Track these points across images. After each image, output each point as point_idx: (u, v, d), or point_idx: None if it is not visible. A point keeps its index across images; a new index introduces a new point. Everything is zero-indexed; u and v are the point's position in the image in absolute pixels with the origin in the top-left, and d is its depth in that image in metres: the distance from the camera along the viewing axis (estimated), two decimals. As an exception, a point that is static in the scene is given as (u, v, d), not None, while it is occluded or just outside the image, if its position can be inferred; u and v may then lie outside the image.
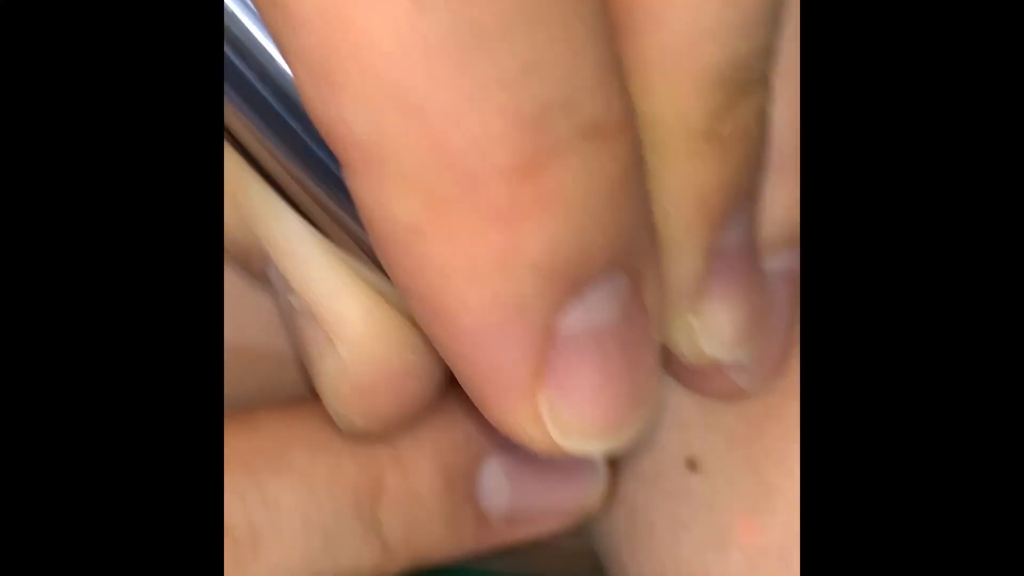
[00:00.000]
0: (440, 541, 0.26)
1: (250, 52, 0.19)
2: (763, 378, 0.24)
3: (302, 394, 0.26)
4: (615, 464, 0.26)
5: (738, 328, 0.22)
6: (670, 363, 0.24)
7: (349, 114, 0.17)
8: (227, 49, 0.19)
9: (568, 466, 0.26)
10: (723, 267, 0.21)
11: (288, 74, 0.19)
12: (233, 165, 0.21)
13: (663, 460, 0.26)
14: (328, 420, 0.23)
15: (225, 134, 0.20)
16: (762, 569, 0.25)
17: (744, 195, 0.21)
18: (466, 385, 0.20)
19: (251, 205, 0.21)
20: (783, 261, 0.23)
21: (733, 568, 0.25)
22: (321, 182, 0.20)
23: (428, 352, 0.22)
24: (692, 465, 0.26)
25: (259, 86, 0.19)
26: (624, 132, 0.18)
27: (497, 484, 0.26)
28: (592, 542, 0.29)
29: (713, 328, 0.22)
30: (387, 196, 0.18)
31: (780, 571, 0.24)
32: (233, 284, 0.24)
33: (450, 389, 0.25)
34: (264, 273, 0.22)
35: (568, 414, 0.19)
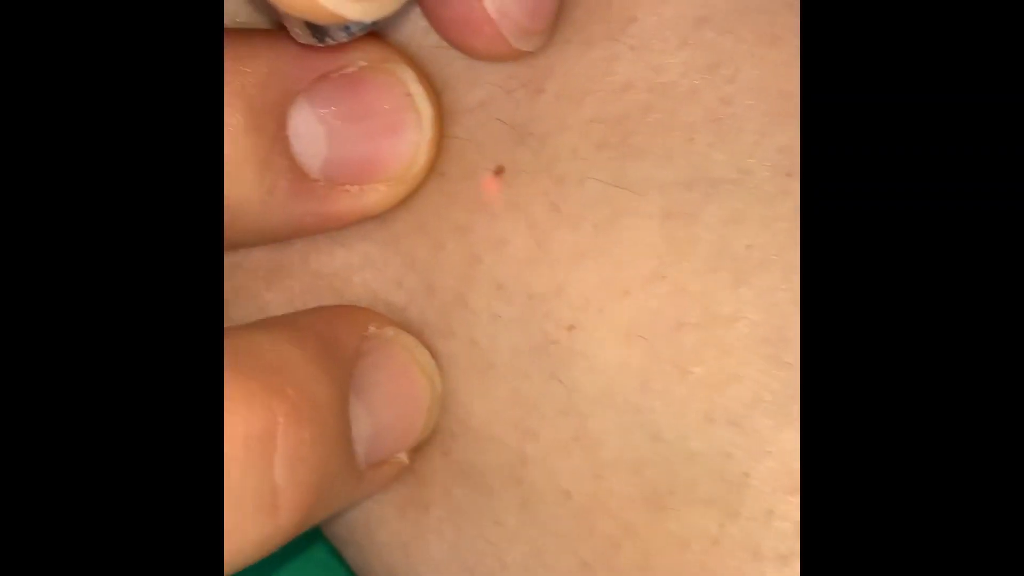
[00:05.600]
0: (252, 194, 0.24)
1: None
2: (531, 32, 0.24)
3: None
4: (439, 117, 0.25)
5: None
6: (437, 21, 0.24)
7: None
8: None
9: (389, 112, 0.24)
10: None
11: None
12: None
13: None
14: None
15: None
16: None
17: None
18: None
19: None
20: None
21: None
22: None
23: None
24: None
25: None
26: None
27: (310, 129, 0.24)
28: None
29: None
30: None
31: None
32: None
33: (256, 33, 0.24)
34: None
35: None
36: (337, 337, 0.24)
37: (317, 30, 0.22)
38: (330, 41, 0.23)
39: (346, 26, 0.22)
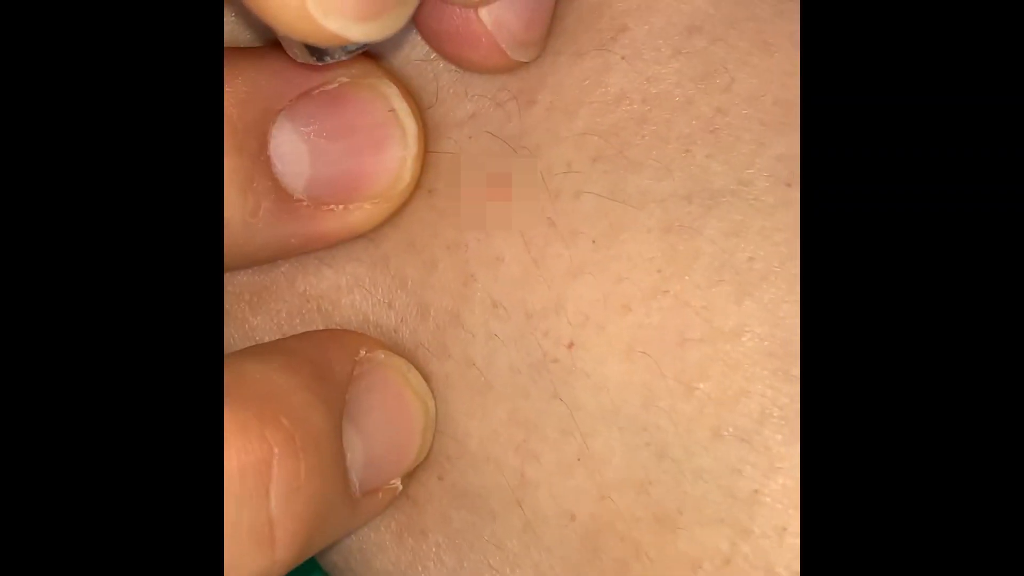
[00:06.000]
0: (234, 216, 0.23)
1: None
2: (527, 43, 0.23)
3: None
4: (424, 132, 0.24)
5: None
6: (431, 34, 0.23)
7: None
8: None
9: (372, 128, 0.24)
10: None
11: None
12: None
13: None
14: None
15: None
16: None
17: None
18: None
19: None
20: None
21: None
22: None
23: None
24: None
25: None
26: None
27: (292, 147, 0.23)
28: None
29: None
30: None
31: None
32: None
33: (235, 51, 0.24)
34: None
35: None
36: (329, 362, 0.23)
37: (316, 50, 0.22)
38: (329, 60, 0.22)
39: (345, 45, 0.21)
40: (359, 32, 0.20)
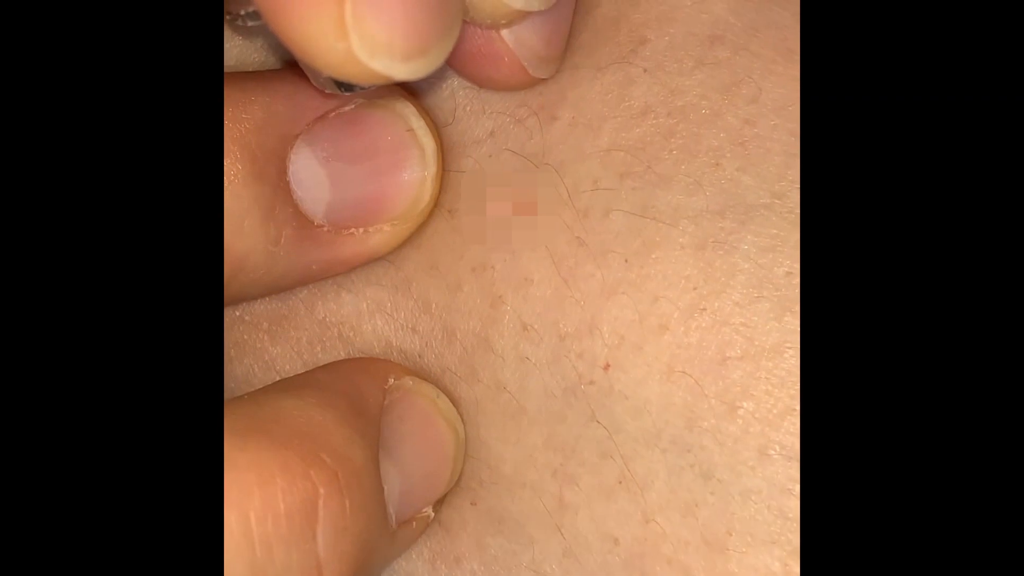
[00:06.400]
0: (257, 245, 0.23)
1: None
2: (548, 59, 0.23)
3: None
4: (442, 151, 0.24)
5: None
6: (451, 54, 0.23)
7: None
8: None
9: (391, 149, 0.23)
10: None
11: None
12: None
13: None
14: None
15: None
16: None
17: None
18: None
19: None
20: None
21: None
22: None
23: None
24: None
25: None
26: None
27: (311, 173, 0.23)
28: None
29: None
30: None
31: None
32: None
33: (249, 77, 0.23)
34: None
35: (374, 23, 0.19)
36: (361, 394, 0.23)
37: (345, 83, 0.21)
38: (358, 90, 0.21)
39: None
40: (405, 71, 0.19)
